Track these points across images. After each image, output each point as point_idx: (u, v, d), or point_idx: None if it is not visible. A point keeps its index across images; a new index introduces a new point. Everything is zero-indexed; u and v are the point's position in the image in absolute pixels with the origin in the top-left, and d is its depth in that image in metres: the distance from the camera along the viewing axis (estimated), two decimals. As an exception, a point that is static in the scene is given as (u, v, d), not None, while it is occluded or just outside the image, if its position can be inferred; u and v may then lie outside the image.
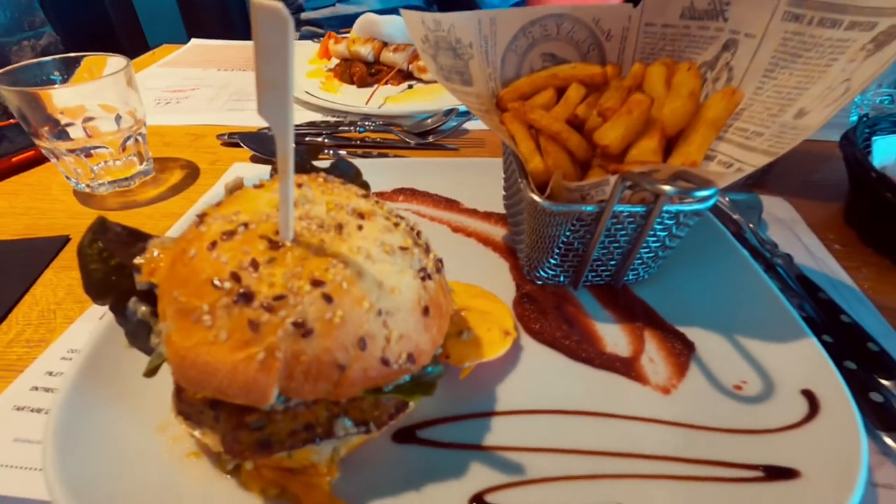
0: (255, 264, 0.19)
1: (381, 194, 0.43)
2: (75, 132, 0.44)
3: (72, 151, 0.43)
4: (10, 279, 0.36)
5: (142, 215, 0.44)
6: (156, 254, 0.23)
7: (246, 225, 0.21)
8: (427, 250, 0.24)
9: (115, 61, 0.46)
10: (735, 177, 0.24)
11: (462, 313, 0.29)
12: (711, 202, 0.23)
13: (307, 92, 0.66)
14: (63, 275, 0.37)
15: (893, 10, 0.22)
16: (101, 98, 0.43)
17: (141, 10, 1.95)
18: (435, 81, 0.69)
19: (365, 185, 0.31)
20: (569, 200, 0.28)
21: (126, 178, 0.47)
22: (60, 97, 0.42)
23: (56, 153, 0.44)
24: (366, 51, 0.69)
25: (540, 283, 0.33)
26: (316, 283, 0.19)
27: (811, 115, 0.23)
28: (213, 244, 0.20)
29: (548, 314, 0.31)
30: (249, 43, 0.88)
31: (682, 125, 0.29)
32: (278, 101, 0.18)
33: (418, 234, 0.25)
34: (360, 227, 0.22)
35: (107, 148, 0.44)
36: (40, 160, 0.51)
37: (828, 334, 0.30)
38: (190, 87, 0.70)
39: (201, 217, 0.22)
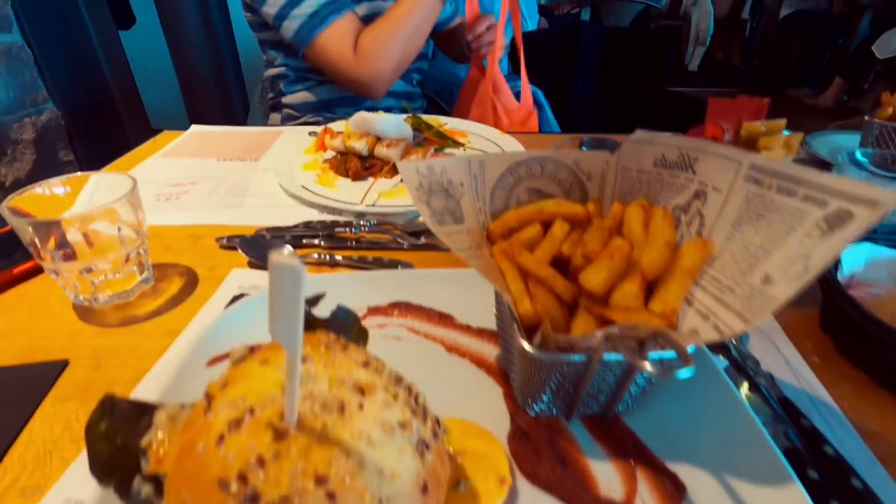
0: (261, 461, 0.20)
1: (377, 309, 0.44)
2: (79, 247, 0.46)
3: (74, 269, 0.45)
4: (8, 413, 0.36)
5: (141, 332, 0.44)
6: (160, 436, 0.23)
7: (252, 411, 0.22)
8: (425, 416, 0.25)
9: (121, 181, 0.48)
10: (713, 338, 0.26)
11: (458, 459, 0.29)
12: (690, 374, 0.25)
13: (304, 187, 0.68)
14: (60, 406, 0.37)
15: (840, 193, 0.25)
16: (108, 218, 0.45)
17: (142, 85, 2.03)
18: (427, 174, 0.72)
19: (363, 333, 0.32)
20: (558, 349, 0.29)
21: (126, 291, 0.48)
22: (71, 224, 0.44)
23: (58, 272, 0.45)
24: (360, 146, 0.72)
25: (533, 414, 0.34)
26: (320, 481, 0.20)
27: (777, 286, 0.25)
28: (221, 438, 0.21)
29: (542, 453, 0.31)
30: (247, 129, 0.93)
31: (660, 272, 0.31)
32: (289, 329, 0.19)
33: (416, 397, 0.26)
34: (360, 406, 0.23)
35: (109, 264, 0.46)
36: (39, 269, 0.52)
37: (813, 468, 0.31)
38: (189, 181, 0.72)
39: (209, 401, 0.23)
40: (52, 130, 1.42)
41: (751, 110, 0.44)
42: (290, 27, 0.92)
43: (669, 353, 0.28)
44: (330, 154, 0.77)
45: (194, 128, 0.94)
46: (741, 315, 0.26)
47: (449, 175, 0.36)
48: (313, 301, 0.32)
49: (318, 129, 0.84)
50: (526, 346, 0.29)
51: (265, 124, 1.33)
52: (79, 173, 0.50)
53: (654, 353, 0.28)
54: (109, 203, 0.44)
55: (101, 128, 1.81)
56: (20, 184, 1.31)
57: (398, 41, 0.91)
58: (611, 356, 0.29)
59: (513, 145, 0.82)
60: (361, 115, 0.74)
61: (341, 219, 0.62)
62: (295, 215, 0.64)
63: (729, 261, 0.29)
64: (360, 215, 0.63)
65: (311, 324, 0.30)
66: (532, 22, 2.87)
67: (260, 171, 0.76)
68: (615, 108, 1.73)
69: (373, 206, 0.64)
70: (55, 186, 0.49)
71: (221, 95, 2.19)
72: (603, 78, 1.71)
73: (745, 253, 0.29)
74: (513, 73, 1.56)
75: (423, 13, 0.92)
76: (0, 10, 1.24)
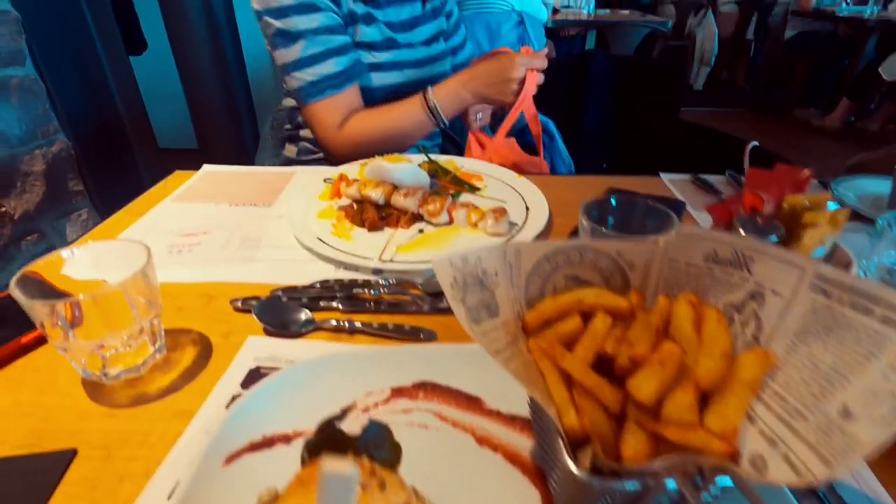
0: None
1: (400, 390, 0.42)
2: (88, 317, 0.44)
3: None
4: (12, 517, 0.34)
5: (151, 414, 0.42)
6: None
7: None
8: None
9: (135, 251, 0.46)
10: (790, 479, 0.24)
11: None
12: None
13: (319, 239, 0.67)
14: (68, 506, 0.35)
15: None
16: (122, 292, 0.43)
17: (151, 110, 2.04)
18: (445, 225, 0.70)
19: (397, 450, 0.30)
20: (610, 473, 0.27)
21: (137, 365, 0.46)
22: (83, 303, 0.42)
23: (67, 349, 0.43)
24: (377, 195, 0.70)
25: (575, 530, 0.32)
26: None
27: (860, 426, 0.23)
28: None
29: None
30: (259, 170, 0.91)
31: (716, 384, 0.29)
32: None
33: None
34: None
35: (121, 340, 0.44)
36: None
37: None
38: (202, 231, 0.70)
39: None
40: (62, 161, 1.42)
41: (792, 182, 0.42)
42: (291, 83, 0.92)
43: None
44: (345, 201, 0.75)
45: (206, 168, 0.93)
46: (817, 451, 0.24)
47: (483, 264, 0.34)
48: (342, 415, 0.30)
49: (333, 172, 0.83)
50: (574, 468, 0.27)
51: (277, 155, 1.32)
52: (90, 242, 0.48)
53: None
54: (124, 280, 0.42)
55: (111, 154, 1.81)
56: (29, 216, 1.30)
57: (381, 143, 0.93)
58: (669, 484, 0.26)
59: (529, 189, 0.81)
60: (378, 164, 0.72)
61: (359, 276, 0.60)
62: (310, 271, 0.62)
63: (795, 377, 0.27)
64: (378, 272, 0.61)
65: (343, 442, 0.28)
66: (539, 46, 2.89)
67: (274, 219, 0.74)
68: (627, 138, 1.71)
69: (390, 261, 0.62)
70: (66, 251, 0.47)
71: (231, 122, 2.19)
72: (614, 108, 1.70)
73: (814, 371, 0.26)
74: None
75: (415, 128, 0.94)
76: (14, 45, 1.24)
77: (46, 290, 0.45)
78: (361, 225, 0.70)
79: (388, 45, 0.99)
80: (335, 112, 0.93)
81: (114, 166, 1.81)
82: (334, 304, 0.55)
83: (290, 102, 1.07)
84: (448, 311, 0.53)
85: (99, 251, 0.47)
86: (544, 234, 0.68)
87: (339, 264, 0.63)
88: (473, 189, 0.81)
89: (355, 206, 0.72)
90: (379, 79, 0.98)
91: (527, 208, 0.75)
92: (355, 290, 0.56)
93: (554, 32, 3.72)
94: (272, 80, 3.12)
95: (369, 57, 0.96)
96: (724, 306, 0.32)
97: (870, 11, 4.11)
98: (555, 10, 3.87)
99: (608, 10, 4.10)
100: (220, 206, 0.78)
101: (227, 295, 0.57)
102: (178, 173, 0.91)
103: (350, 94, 0.94)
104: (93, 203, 1.55)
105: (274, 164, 1.32)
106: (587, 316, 0.35)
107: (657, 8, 5.30)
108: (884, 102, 4.01)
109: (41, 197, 1.34)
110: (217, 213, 0.76)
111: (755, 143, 1.54)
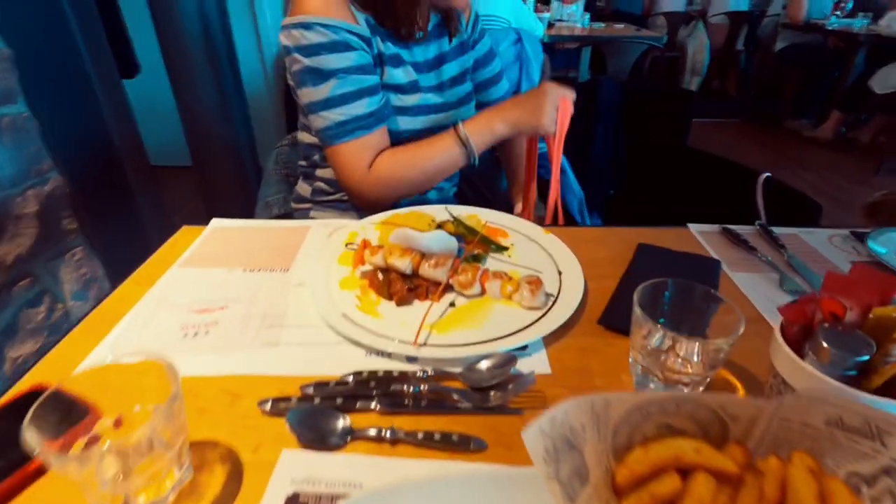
0: None
1: (461, 530, 0.38)
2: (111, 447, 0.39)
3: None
4: None
5: (184, 563, 0.38)
6: None
7: None
8: None
9: (160, 372, 0.41)
10: None
11: None
12: None
13: (345, 316, 0.62)
14: None
15: None
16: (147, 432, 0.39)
17: (144, 132, 1.98)
18: (477, 296, 0.67)
19: None
20: None
21: (161, 498, 0.41)
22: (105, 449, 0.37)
23: (86, 488, 0.38)
24: (404, 265, 0.66)
25: None
26: None
27: None
28: None
29: None
30: (270, 225, 0.87)
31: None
32: None
33: None
34: None
35: (144, 477, 0.39)
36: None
37: None
38: (218, 306, 0.66)
39: None
40: (56, 199, 1.36)
41: (879, 288, 0.39)
42: (316, 122, 0.88)
43: None
44: (368, 266, 0.71)
45: (215, 223, 0.88)
46: None
47: (570, 420, 0.31)
48: None
49: (346, 225, 0.79)
50: None
51: (282, 191, 1.28)
52: (110, 362, 0.43)
53: None
54: (150, 424, 0.37)
55: (104, 183, 1.75)
56: (22, 261, 1.24)
57: (412, 181, 0.91)
58: None
59: (557, 248, 0.77)
60: (404, 232, 0.68)
61: (393, 365, 0.56)
62: (340, 356, 0.58)
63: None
64: (413, 359, 0.57)
65: None
66: (537, 62, 2.87)
67: (293, 289, 0.70)
68: (635, 166, 1.69)
69: (425, 344, 0.58)
70: (84, 370, 0.42)
71: (228, 142, 2.14)
72: (622, 135, 1.68)
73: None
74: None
75: (446, 163, 0.91)
76: (6, 83, 1.19)
77: (62, 406, 0.40)
78: (389, 298, 0.66)
79: (415, 88, 0.96)
80: (364, 153, 0.89)
81: (107, 194, 1.74)
82: (372, 404, 0.50)
83: (306, 138, 1.02)
84: (495, 410, 0.49)
85: (118, 372, 0.43)
86: (581, 306, 0.65)
87: (371, 350, 0.59)
88: (501, 248, 0.77)
89: (380, 275, 0.68)
90: (405, 122, 0.94)
91: (559, 272, 0.72)
92: (393, 387, 0.52)
93: (549, 47, 3.71)
94: (271, 110, 3.07)
95: (396, 100, 0.93)
96: (846, 474, 0.28)
97: (859, 24, 4.16)
98: (549, 25, 3.87)
99: (603, 24, 4.11)
100: (234, 273, 0.74)
101: (253, 392, 0.52)
102: (185, 229, 0.86)
103: (379, 135, 0.90)
104: (87, 239, 1.49)
105: (279, 199, 1.28)
106: (684, 470, 0.31)
107: (648, 20, 5.34)
108: (874, 114, 4.07)
109: (34, 240, 1.27)
110: (231, 280, 0.72)
111: (767, 174, 1.52)
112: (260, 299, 0.67)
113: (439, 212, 0.84)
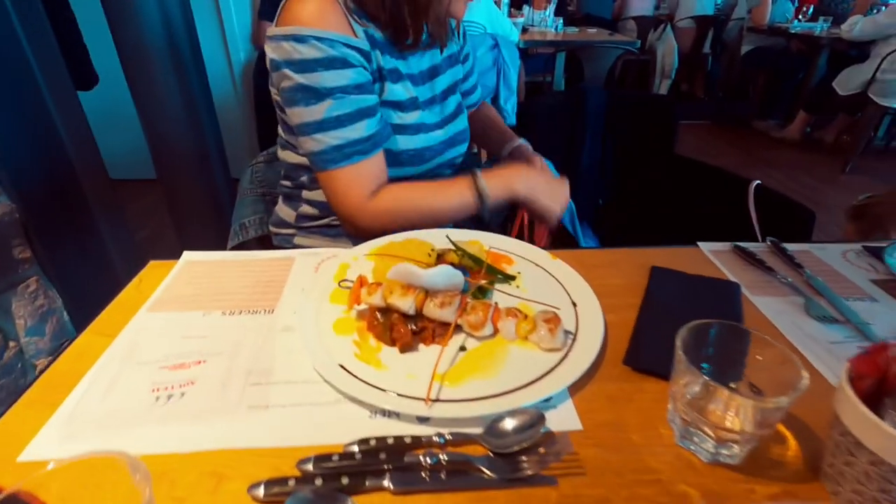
0: None
1: None
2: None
3: None
4: None
5: None
6: None
7: None
8: None
9: (127, 477, 0.33)
10: None
11: None
12: None
13: (343, 368, 0.55)
14: None
15: None
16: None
17: (103, 145, 1.84)
18: (489, 337, 0.60)
19: None
20: None
21: None
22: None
23: None
24: (406, 305, 0.59)
25: None
26: None
27: None
28: None
29: None
30: (248, 257, 0.79)
31: None
32: None
33: None
34: None
35: None
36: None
37: None
38: (194, 360, 0.57)
39: None
40: (5, 226, 1.23)
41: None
42: (308, 145, 0.81)
43: None
44: (364, 306, 0.64)
45: (186, 256, 0.79)
46: None
47: None
48: None
49: (339, 256, 0.71)
50: None
51: (258, 212, 1.19)
52: (68, 462, 0.35)
53: None
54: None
55: (60, 204, 1.62)
56: (-34, 299, 1.11)
57: (414, 220, 0.84)
58: None
59: (567, 275, 0.72)
60: (405, 268, 0.61)
61: (403, 429, 0.49)
62: (340, 417, 0.50)
63: None
64: (425, 419, 0.50)
65: None
66: (514, 67, 2.84)
67: (280, 334, 0.62)
68: (623, 174, 1.66)
69: (437, 399, 0.51)
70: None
71: (195, 155, 2.02)
72: (609, 143, 1.65)
73: None
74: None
75: (455, 210, 0.86)
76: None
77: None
78: (391, 343, 0.59)
79: (414, 104, 0.89)
80: (362, 180, 0.82)
81: (63, 215, 1.61)
82: (384, 481, 0.43)
83: (290, 157, 0.94)
84: (527, 481, 0.43)
85: (82, 470, 0.35)
86: (602, 345, 0.59)
87: (375, 409, 0.51)
88: (508, 278, 0.71)
89: (379, 315, 0.61)
90: (404, 142, 0.87)
91: (573, 304, 0.66)
92: (407, 458, 0.45)
93: (524, 52, 3.70)
94: (240, 120, 2.94)
95: (395, 117, 0.86)
96: None
97: (820, 28, 4.29)
98: (523, 30, 3.86)
99: (576, 29, 4.12)
100: (212, 317, 0.65)
101: (241, 471, 0.44)
102: (152, 265, 0.77)
103: (378, 161, 0.83)
104: (42, 268, 1.37)
105: (255, 221, 1.19)
106: None
107: (618, 24, 5.41)
108: (837, 115, 4.20)
109: (-20, 274, 1.15)
110: (209, 327, 0.63)
111: (757, 181, 1.50)
112: (243, 350, 0.59)
113: (438, 238, 0.77)
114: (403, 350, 0.58)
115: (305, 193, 0.95)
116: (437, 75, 0.95)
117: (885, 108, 3.49)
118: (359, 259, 0.75)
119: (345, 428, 0.49)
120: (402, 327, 0.59)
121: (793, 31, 4.36)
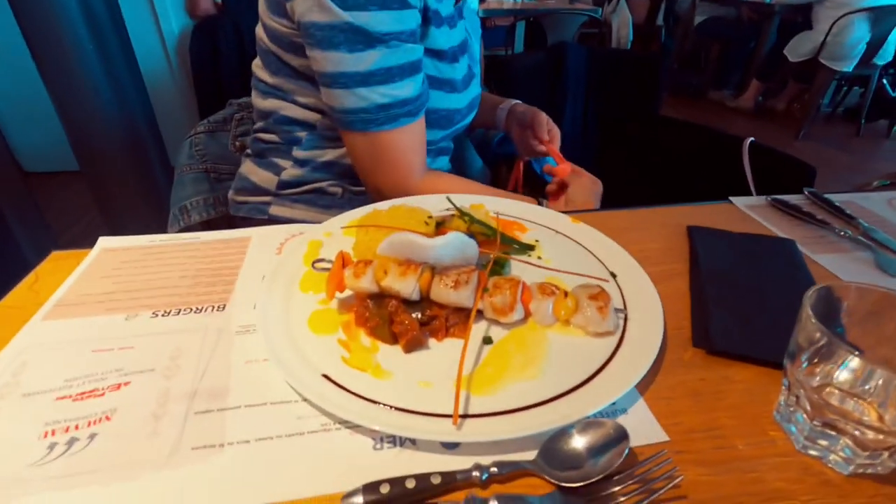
0: None
1: None
2: None
3: None
4: None
5: None
6: None
7: None
8: None
9: None
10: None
11: None
12: None
13: (328, 378, 0.39)
14: None
15: None
16: None
17: (13, 135, 1.56)
18: (519, 323, 0.46)
19: None
20: None
21: None
22: None
23: None
24: (408, 287, 0.44)
25: None
26: None
27: None
28: None
29: None
30: (188, 239, 0.60)
31: None
32: None
33: None
34: None
35: None
36: None
37: None
38: (111, 384, 0.40)
39: None
40: None
41: None
42: (343, 100, 0.64)
43: None
44: (348, 293, 0.48)
45: (103, 243, 0.60)
46: None
47: None
48: None
49: (308, 233, 0.55)
50: None
51: (202, 192, 0.99)
52: None
53: None
54: None
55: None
56: None
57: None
58: None
59: (595, 241, 0.58)
60: (403, 239, 0.46)
61: (424, 463, 0.34)
62: (330, 455, 0.35)
63: None
64: (452, 445, 0.36)
65: None
66: (476, 37, 2.67)
67: (236, 337, 0.45)
68: (608, 140, 1.55)
69: (465, 415, 0.37)
70: None
71: (129, 153, 1.75)
72: (592, 104, 1.53)
73: None
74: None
75: None
76: None
77: None
78: (391, 340, 0.44)
79: (453, 55, 0.75)
80: (412, 148, 0.69)
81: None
82: (410, 554, 0.28)
83: (287, 109, 0.76)
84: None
85: None
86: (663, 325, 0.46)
87: (381, 436, 0.36)
88: (527, 248, 0.57)
89: (371, 305, 0.46)
90: (438, 100, 0.74)
91: (612, 275, 0.53)
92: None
93: (482, 24, 3.53)
94: (177, 98, 2.65)
95: (433, 69, 0.72)
96: None
97: (770, -5, 4.33)
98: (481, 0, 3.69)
99: (534, -1, 3.98)
100: (138, 320, 0.48)
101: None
102: (54, 256, 0.58)
103: (422, 125, 0.70)
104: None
105: (199, 202, 0.99)
106: None
107: (574, -3, 5.32)
108: (788, 82, 4.28)
109: None
110: (134, 334, 0.46)
111: (752, 139, 1.41)
112: (184, 363, 0.42)
113: (433, 203, 0.62)
114: (409, 349, 0.43)
115: (298, 152, 0.77)
116: (458, 21, 0.80)
117: (834, 73, 3.56)
118: (333, 235, 0.59)
119: (340, 468, 0.34)
120: (405, 318, 0.43)
121: (743, 0, 4.40)
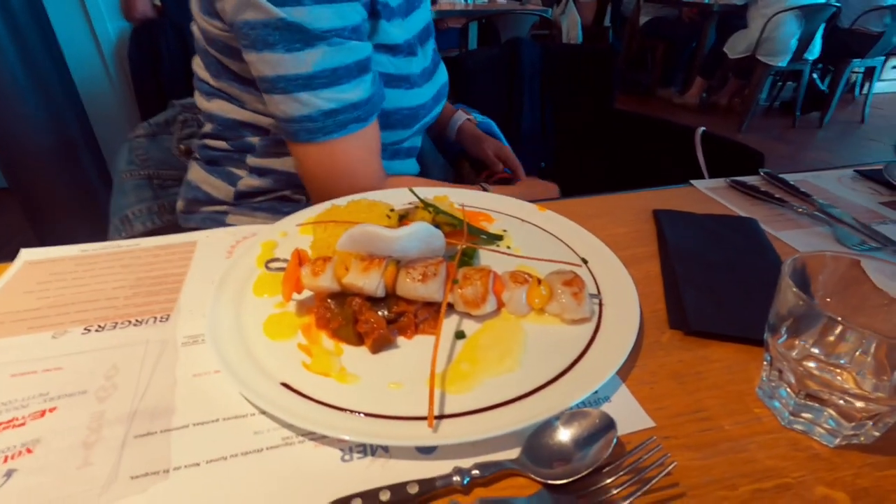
0: None
1: None
2: None
3: None
4: None
5: None
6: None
7: None
8: None
9: None
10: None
11: None
12: None
13: (288, 386, 0.36)
14: None
15: None
16: None
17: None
18: (492, 315, 0.43)
19: None
20: None
21: None
22: None
23: None
24: (371, 283, 0.41)
25: None
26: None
27: None
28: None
29: None
30: (125, 246, 0.55)
31: None
32: None
33: None
34: None
35: None
36: None
37: None
38: (35, 412, 0.35)
39: None
40: None
41: None
42: (285, 106, 0.59)
43: None
44: (307, 293, 0.44)
45: (25, 255, 0.54)
46: None
47: None
48: None
49: (261, 234, 0.51)
50: None
51: (145, 200, 0.91)
52: None
53: None
54: None
55: None
56: None
57: None
58: None
59: (563, 227, 0.57)
60: (365, 231, 0.42)
61: (400, 472, 0.31)
62: (293, 472, 0.31)
63: None
64: (429, 450, 0.33)
65: None
66: (430, 38, 2.67)
67: (182, 353, 0.41)
68: (566, 133, 1.56)
69: (441, 415, 0.34)
70: None
71: (62, 165, 1.63)
72: (548, 99, 1.53)
73: None
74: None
75: None
76: None
77: None
78: (357, 341, 0.40)
79: (409, 48, 0.70)
80: (366, 155, 0.64)
81: None
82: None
83: (232, 112, 0.70)
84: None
85: None
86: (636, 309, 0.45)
87: (349, 446, 0.33)
88: (495, 238, 0.55)
89: (332, 304, 0.42)
90: (399, 98, 0.69)
91: (584, 261, 0.51)
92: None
93: (435, 25, 3.53)
94: (114, 102, 2.50)
95: (389, 65, 0.67)
96: None
97: (709, -3, 4.54)
98: (432, 1, 3.69)
99: (485, 0, 4.02)
100: (68, 338, 0.42)
101: None
102: (-35, 272, 0.51)
103: (377, 130, 0.65)
104: None
105: (142, 211, 0.92)
106: None
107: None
108: (729, 79, 4.50)
109: None
110: (63, 353, 0.41)
111: (703, 128, 1.46)
112: (122, 382, 0.38)
113: (395, 196, 0.59)
114: (377, 349, 0.40)
115: (252, 160, 0.71)
116: (414, 10, 0.75)
117: (770, 67, 3.76)
118: (289, 235, 0.55)
119: (305, 485, 0.30)
120: (370, 316, 0.40)
121: (684, 0, 4.58)
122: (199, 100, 0.75)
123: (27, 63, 1.57)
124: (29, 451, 0.32)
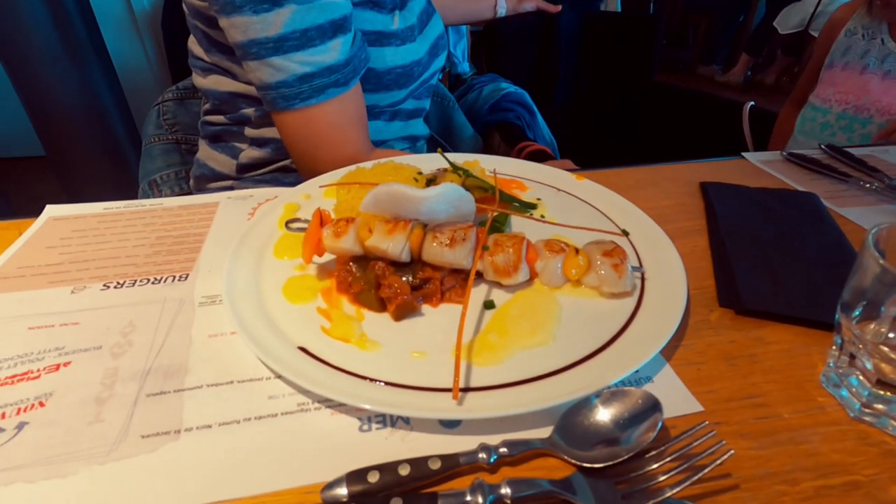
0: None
1: None
2: None
3: None
4: None
5: None
6: None
7: None
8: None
9: None
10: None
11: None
12: None
13: (306, 351, 0.34)
14: None
15: None
16: None
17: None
18: (524, 285, 0.40)
19: None
20: None
21: None
22: None
23: None
24: (396, 247, 0.38)
25: None
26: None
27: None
28: None
29: None
30: (147, 205, 0.53)
31: None
32: None
33: None
34: None
35: None
36: None
37: None
38: (49, 365, 0.34)
39: None
40: None
41: None
42: (260, 73, 0.55)
43: None
44: (329, 256, 0.42)
45: (50, 211, 0.53)
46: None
47: None
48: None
49: (283, 196, 0.49)
50: None
51: (173, 164, 0.91)
52: None
53: None
54: None
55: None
56: None
57: None
58: None
59: (597, 193, 0.53)
60: (391, 191, 0.40)
61: (421, 445, 0.29)
62: (307, 439, 0.29)
63: None
64: (453, 423, 0.30)
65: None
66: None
67: (199, 313, 0.39)
68: (602, 104, 1.49)
69: (467, 388, 0.32)
70: None
71: (95, 133, 1.65)
72: (585, 69, 1.46)
73: None
74: (477, 75, 1.27)
75: None
76: None
77: None
78: (379, 307, 0.38)
79: (395, 2, 0.66)
80: (349, 122, 0.59)
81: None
82: (407, 554, 0.23)
83: (224, 84, 0.67)
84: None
85: None
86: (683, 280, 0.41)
87: (368, 416, 0.31)
88: (528, 207, 0.51)
89: (354, 268, 0.40)
90: (391, 57, 0.64)
91: (624, 233, 0.48)
92: (440, 501, 0.25)
93: None
94: (146, 68, 2.52)
95: (377, 22, 0.63)
96: None
97: (759, -34, 4.26)
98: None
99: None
100: (87, 293, 0.41)
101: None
102: (-8, 226, 0.51)
103: (358, 93, 0.60)
104: None
105: (170, 176, 0.92)
106: None
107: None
108: (777, 56, 4.24)
109: None
110: (81, 308, 0.40)
111: (752, 102, 1.36)
112: (137, 339, 0.36)
113: (424, 161, 0.56)
114: (400, 316, 0.37)
115: (250, 131, 0.69)
116: None
117: (825, 45, 3.52)
118: (312, 197, 0.53)
119: (320, 454, 0.28)
120: (393, 281, 0.38)
121: (733, -29, 4.32)
122: (196, 78, 0.73)
123: (61, 30, 1.58)
124: (42, 404, 0.31)
